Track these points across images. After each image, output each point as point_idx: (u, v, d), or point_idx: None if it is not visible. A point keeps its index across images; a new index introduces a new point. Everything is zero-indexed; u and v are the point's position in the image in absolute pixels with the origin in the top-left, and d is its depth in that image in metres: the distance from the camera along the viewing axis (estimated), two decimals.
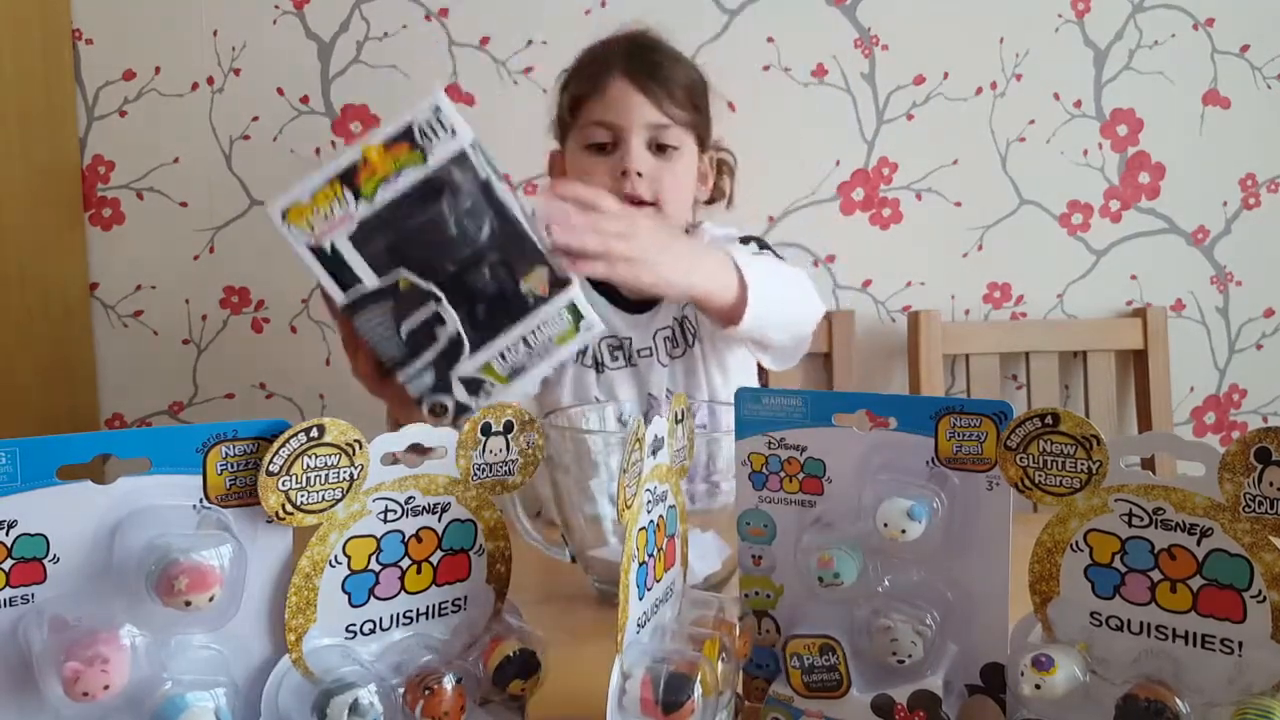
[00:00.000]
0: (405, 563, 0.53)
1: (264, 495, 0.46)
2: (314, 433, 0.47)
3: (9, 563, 0.42)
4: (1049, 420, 0.52)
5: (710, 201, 1.13)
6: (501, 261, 0.61)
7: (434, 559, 0.53)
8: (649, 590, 0.51)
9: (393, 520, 0.52)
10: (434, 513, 0.53)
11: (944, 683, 0.55)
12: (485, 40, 1.39)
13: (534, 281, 0.62)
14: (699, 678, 0.47)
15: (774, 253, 1.06)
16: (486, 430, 0.54)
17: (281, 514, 0.47)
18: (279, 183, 1.43)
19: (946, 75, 1.44)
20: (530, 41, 1.39)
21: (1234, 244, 1.51)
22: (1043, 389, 1.46)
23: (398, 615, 0.52)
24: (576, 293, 0.63)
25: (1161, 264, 1.51)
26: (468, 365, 0.62)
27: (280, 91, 1.40)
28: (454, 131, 0.59)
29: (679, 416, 0.55)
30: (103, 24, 1.38)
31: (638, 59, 1.01)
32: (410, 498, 0.52)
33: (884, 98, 1.45)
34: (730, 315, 0.81)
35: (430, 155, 0.59)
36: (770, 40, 1.42)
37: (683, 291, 0.77)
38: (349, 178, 0.59)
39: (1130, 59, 1.46)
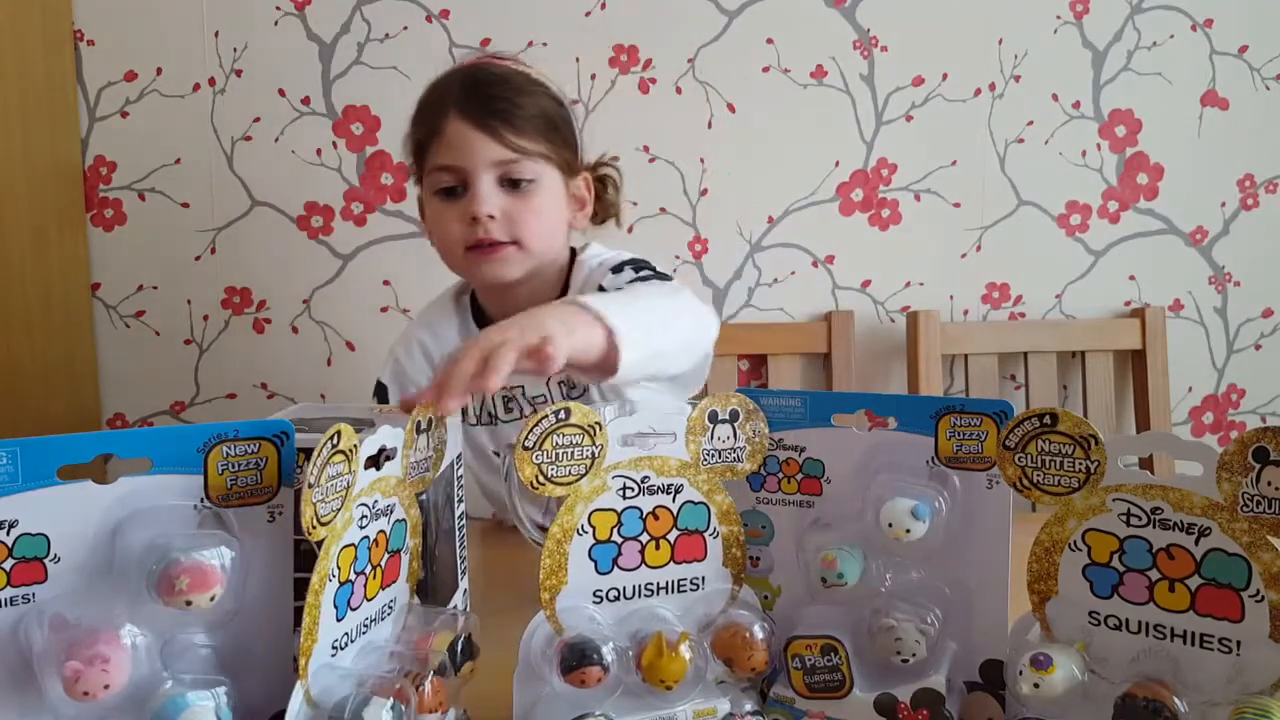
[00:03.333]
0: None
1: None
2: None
3: (10, 562, 0.42)
4: (1047, 420, 0.53)
5: (601, 221, 1.04)
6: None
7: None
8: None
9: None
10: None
11: (945, 680, 0.55)
12: (486, 41, 1.39)
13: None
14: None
15: (655, 272, 0.96)
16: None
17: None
18: (280, 183, 1.44)
19: (945, 76, 1.44)
20: (531, 43, 1.39)
21: (1232, 244, 1.51)
22: (1041, 389, 1.46)
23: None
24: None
25: (1160, 264, 1.51)
26: None
27: (281, 92, 1.40)
28: None
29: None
30: (104, 25, 1.38)
31: (474, 95, 0.92)
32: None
33: (883, 99, 1.45)
34: (603, 367, 0.70)
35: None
36: (770, 41, 1.42)
37: (558, 362, 0.63)
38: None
39: (1129, 60, 1.46)
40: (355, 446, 0.48)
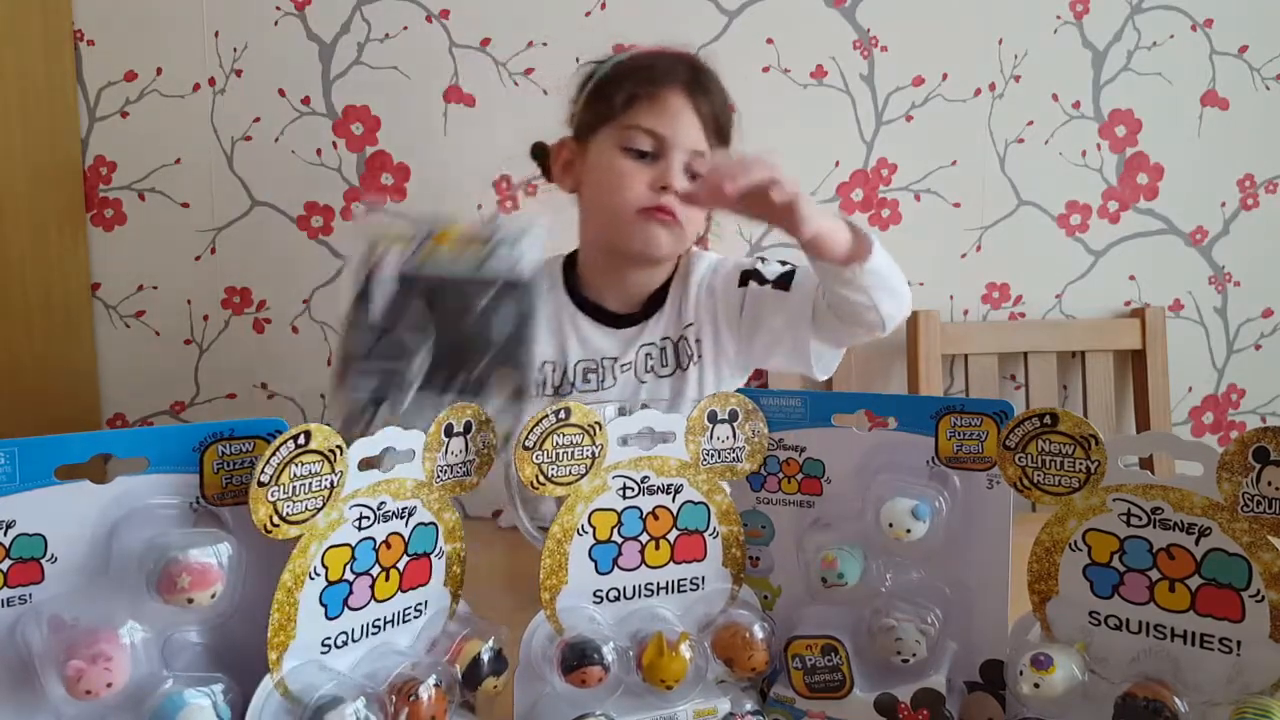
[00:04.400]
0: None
1: (254, 507, 0.45)
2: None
3: (7, 563, 0.42)
4: (1047, 420, 0.53)
5: (699, 241, 1.10)
6: (491, 361, 0.66)
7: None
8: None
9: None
10: (402, 517, 0.53)
11: (945, 680, 0.55)
12: (486, 41, 1.39)
13: (501, 385, 0.65)
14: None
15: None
16: (449, 432, 0.54)
17: (269, 526, 0.46)
18: (280, 183, 1.43)
19: (945, 76, 1.44)
20: (531, 43, 1.39)
21: (1232, 244, 1.51)
22: (1041, 389, 1.46)
23: (367, 625, 0.52)
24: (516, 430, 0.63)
25: (1160, 264, 1.51)
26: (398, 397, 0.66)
27: (282, 92, 1.40)
28: (519, 260, 0.65)
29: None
30: (104, 25, 1.38)
31: (699, 83, 1.00)
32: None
33: (883, 99, 1.45)
34: (854, 253, 0.82)
35: (487, 263, 0.65)
36: (770, 41, 1.42)
37: (814, 228, 0.78)
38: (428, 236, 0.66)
39: (1129, 60, 1.46)
40: (338, 447, 0.48)
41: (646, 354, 1.04)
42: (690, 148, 0.98)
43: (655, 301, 1.05)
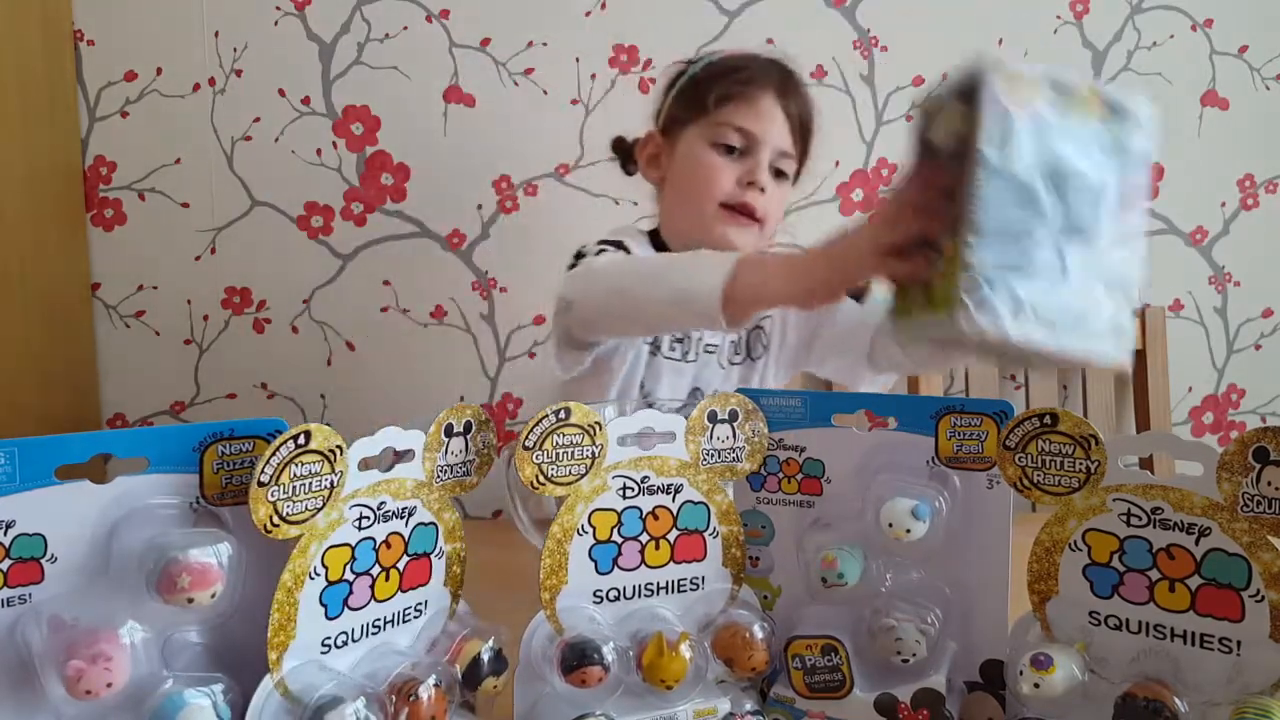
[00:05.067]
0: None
1: (254, 507, 0.45)
2: (301, 439, 0.46)
3: (7, 563, 0.42)
4: (1047, 420, 0.53)
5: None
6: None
7: (400, 565, 0.53)
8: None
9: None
10: (402, 517, 0.53)
11: (945, 680, 0.55)
12: (486, 41, 1.39)
13: None
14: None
15: None
16: (449, 432, 0.54)
17: (269, 526, 0.46)
18: (280, 183, 1.44)
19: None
20: (531, 43, 1.39)
21: (1232, 244, 1.51)
22: (1041, 389, 1.46)
23: (367, 625, 0.52)
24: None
25: (1160, 264, 1.50)
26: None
27: (281, 92, 1.40)
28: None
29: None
30: (104, 25, 1.38)
31: (790, 86, 1.02)
32: (382, 502, 0.51)
33: (883, 99, 1.45)
34: None
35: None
36: (770, 41, 1.42)
37: None
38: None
39: (1129, 60, 1.46)
40: (338, 447, 0.48)
41: (732, 340, 1.06)
42: (777, 147, 1.00)
43: None
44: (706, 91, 1.02)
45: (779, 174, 1.01)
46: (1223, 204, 1.50)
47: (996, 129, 0.56)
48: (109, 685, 0.42)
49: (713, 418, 0.58)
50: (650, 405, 0.83)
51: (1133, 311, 0.59)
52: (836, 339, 1.03)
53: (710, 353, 1.05)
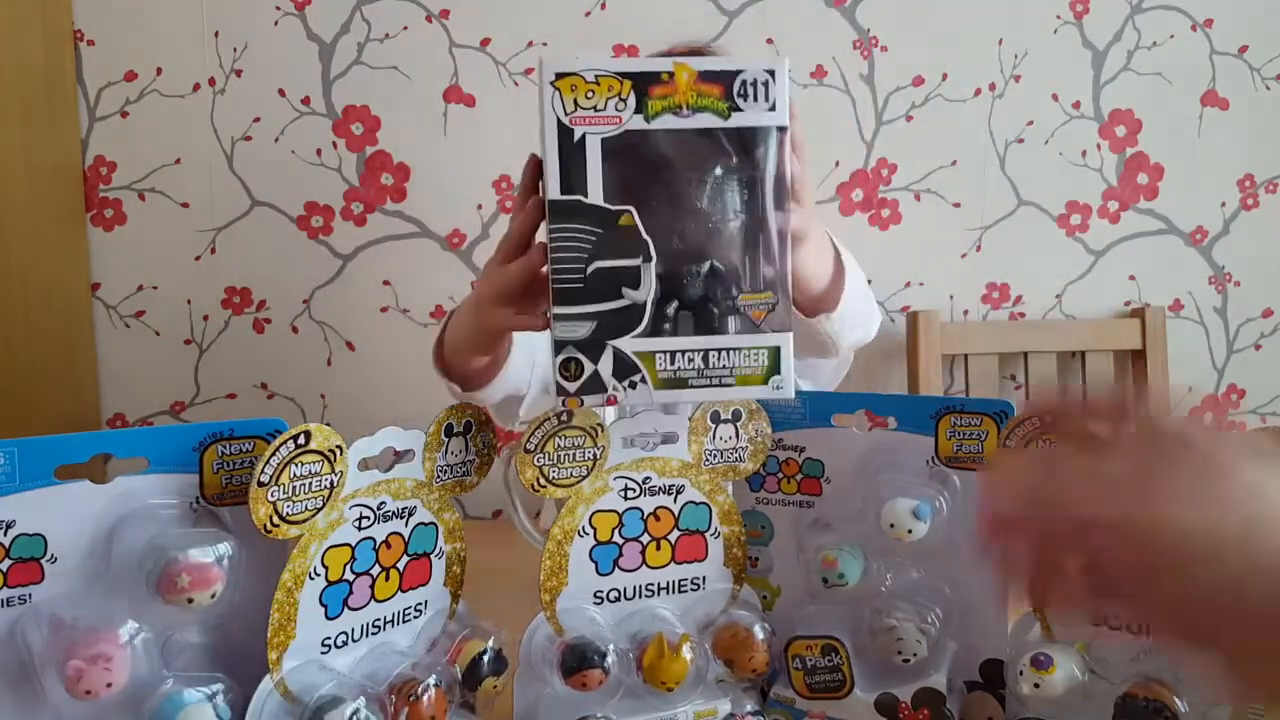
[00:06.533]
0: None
1: (254, 507, 0.45)
2: (301, 439, 0.46)
3: (7, 563, 0.42)
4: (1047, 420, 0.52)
5: None
6: (732, 266, 0.52)
7: (400, 565, 0.53)
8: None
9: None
10: (402, 517, 0.53)
11: (945, 680, 0.55)
12: (486, 41, 1.39)
13: (753, 304, 0.53)
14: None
15: None
16: (449, 432, 0.54)
17: (269, 526, 0.46)
18: (280, 183, 1.43)
19: (945, 76, 1.44)
20: (531, 43, 1.39)
21: (1232, 244, 1.51)
22: (1041, 390, 1.46)
23: (367, 625, 0.52)
24: (787, 344, 0.54)
25: (1160, 264, 1.51)
26: (631, 344, 0.52)
27: (281, 92, 1.40)
28: (774, 107, 0.52)
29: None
30: (104, 25, 1.38)
31: None
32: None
33: (883, 99, 1.45)
34: (822, 302, 0.71)
35: (735, 114, 0.52)
36: (769, 41, 1.42)
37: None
38: (642, 84, 0.51)
39: (1129, 60, 1.46)
40: (338, 447, 0.48)
41: None
42: None
43: None
44: None
45: None
46: (1223, 204, 1.50)
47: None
48: (109, 685, 0.42)
49: (715, 418, 0.58)
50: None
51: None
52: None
53: None
